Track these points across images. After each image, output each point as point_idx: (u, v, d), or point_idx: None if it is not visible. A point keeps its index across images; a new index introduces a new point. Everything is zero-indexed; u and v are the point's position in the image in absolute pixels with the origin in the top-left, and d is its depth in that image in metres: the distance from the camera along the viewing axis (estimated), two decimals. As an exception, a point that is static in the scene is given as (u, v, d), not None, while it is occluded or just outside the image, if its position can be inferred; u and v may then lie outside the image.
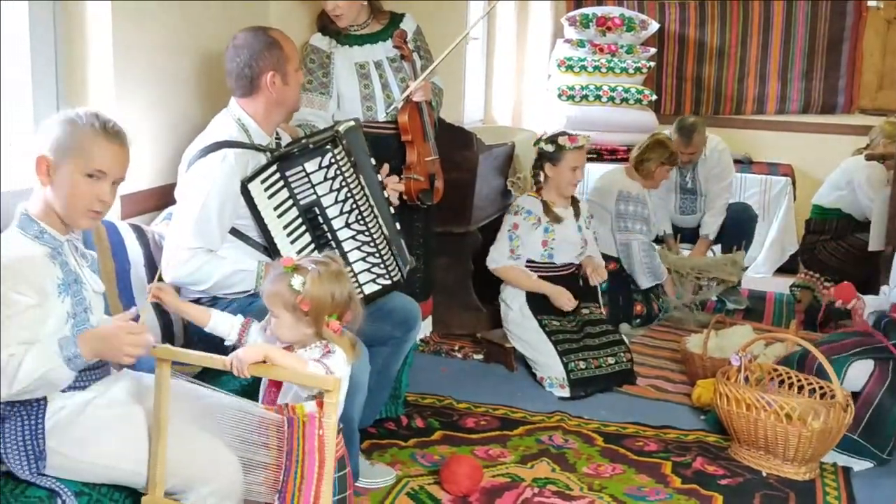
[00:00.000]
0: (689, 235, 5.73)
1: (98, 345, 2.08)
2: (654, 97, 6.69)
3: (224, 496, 2.17)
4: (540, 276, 4.25)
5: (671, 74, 7.35)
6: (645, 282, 4.97)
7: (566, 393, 4.02)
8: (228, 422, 2.20)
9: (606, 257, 4.89)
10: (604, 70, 6.69)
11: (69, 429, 2.14)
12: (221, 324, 2.42)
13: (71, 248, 2.24)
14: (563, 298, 4.19)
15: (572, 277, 4.34)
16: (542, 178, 4.34)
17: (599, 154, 6.53)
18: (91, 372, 2.21)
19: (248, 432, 2.17)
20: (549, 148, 4.27)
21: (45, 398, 2.11)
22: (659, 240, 5.50)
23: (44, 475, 2.11)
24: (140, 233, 2.97)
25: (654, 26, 6.91)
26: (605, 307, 4.78)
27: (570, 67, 6.73)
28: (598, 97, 6.62)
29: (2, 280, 2.02)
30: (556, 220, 4.26)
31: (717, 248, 5.72)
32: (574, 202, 4.40)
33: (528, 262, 4.28)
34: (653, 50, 6.93)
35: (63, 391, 2.15)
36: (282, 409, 2.16)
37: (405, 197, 3.58)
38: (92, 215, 2.20)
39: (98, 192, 2.17)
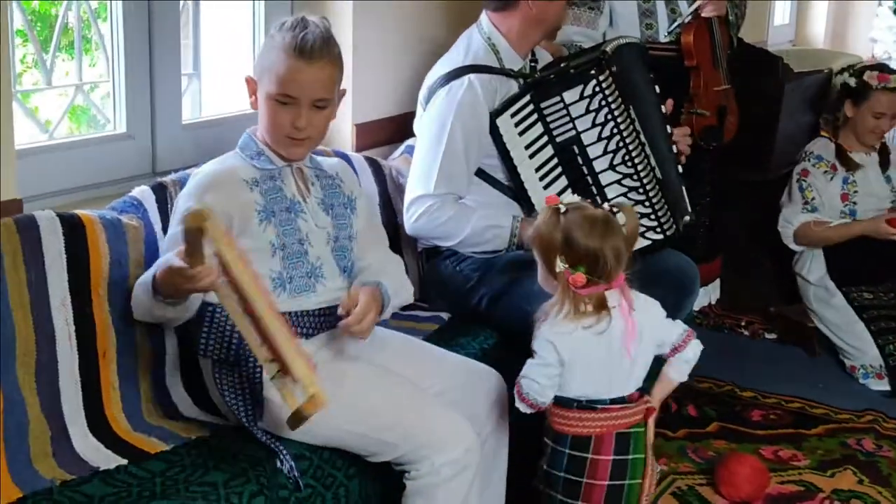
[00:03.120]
0: None
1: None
2: None
3: (462, 466, 2.26)
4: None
5: None
6: None
7: (885, 385, 3.89)
8: None
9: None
10: (961, -24, 6.25)
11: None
12: None
13: (296, 174, 2.40)
14: (882, 227, 3.96)
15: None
16: (840, 118, 4.17)
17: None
18: (317, 318, 2.36)
19: None
20: (852, 82, 4.10)
21: None
22: None
23: (262, 430, 2.30)
24: (376, 167, 3.13)
25: None
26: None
27: (913, -27, 6.34)
28: (950, 13, 6.19)
29: (193, 189, 2.27)
30: (854, 167, 4.10)
31: None
32: (883, 149, 4.19)
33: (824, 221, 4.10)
34: None
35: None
36: None
37: None
38: (290, 142, 2.34)
39: (290, 118, 2.30)
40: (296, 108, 2.30)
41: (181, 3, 2.89)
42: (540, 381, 2.28)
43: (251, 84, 2.36)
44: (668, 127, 3.12)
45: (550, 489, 2.35)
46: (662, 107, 3.10)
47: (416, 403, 2.30)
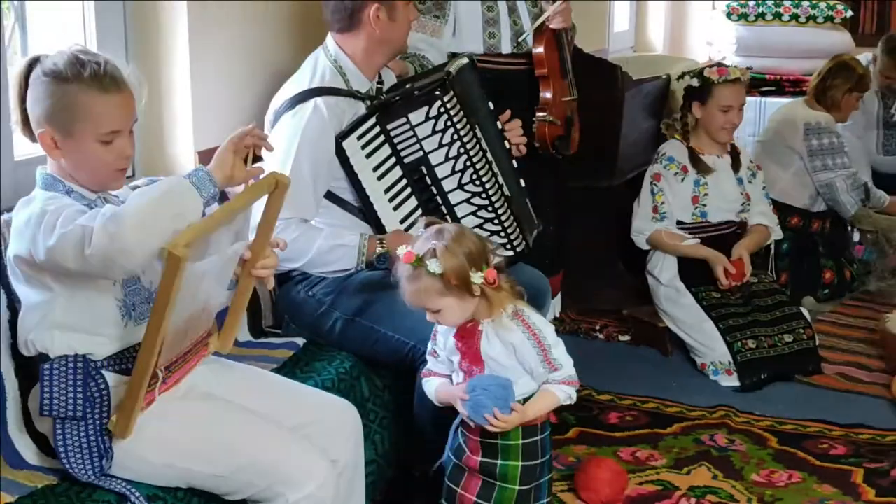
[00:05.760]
0: (894, 183, 5.49)
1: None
2: (850, 13, 6.42)
3: (317, 501, 2.24)
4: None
5: (872, -16, 7.04)
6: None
7: (735, 381, 3.96)
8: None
9: (789, 209, 4.77)
10: (786, -20, 6.48)
11: (141, 425, 2.22)
12: None
13: (110, 202, 2.27)
14: (720, 269, 4.06)
15: (733, 237, 4.23)
16: (690, 121, 4.25)
17: (780, 86, 6.34)
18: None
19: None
20: (695, 83, 4.18)
21: (108, 394, 2.20)
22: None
23: (110, 476, 2.21)
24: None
25: (852, -77, 6.65)
26: (785, 274, 4.68)
27: (742, -22, 6.54)
28: (777, 15, 6.41)
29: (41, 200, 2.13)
30: (706, 170, 4.17)
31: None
32: (733, 151, 4.29)
33: (677, 223, 4.19)
34: (849, -46, 6.66)
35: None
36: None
37: (537, 145, 3.55)
38: (119, 175, 2.26)
39: (118, 150, 2.20)
40: (120, 140, 2.20)
41: (6, 35, 2.75)
42: None
43: (49, 138, 2.17)
44: (507, 142, 3.13)
45: (539, 479, 2.54)
46: (499, 122, 3.12)
47: (268, 440, 2.26)
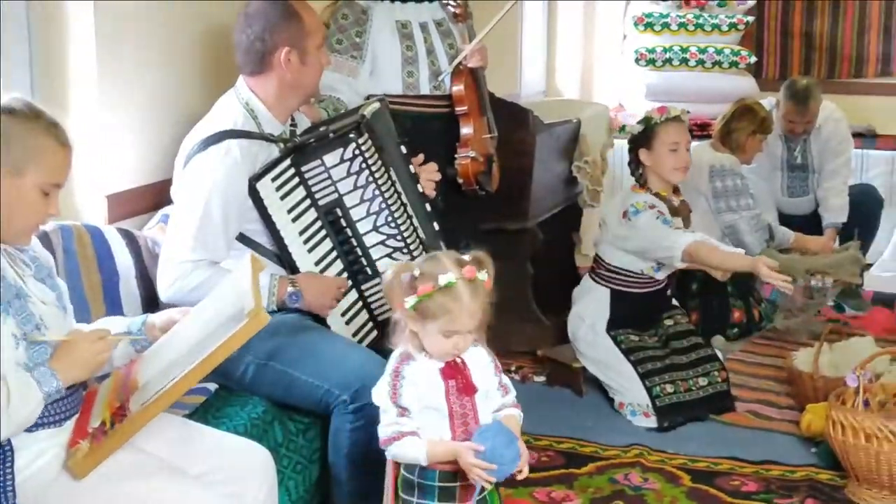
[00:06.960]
0: (798, 224, 5.62)
1: (68, 365, 2.12)
2: (754, 59, 6.61)
3: None
4: (628, 291, 4.12)
5: (774, 30, 7.26)
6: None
7: (652, 422, 3.98)
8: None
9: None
10: (691, 28, 6.64)
11: (56, 479, 2.17)
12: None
13: (5, 257, 2.20)
14: (765, 270, 3.75)
15: (665, 287, 4.25)
16: (642, 171, 4.13)
17: (689, 129, 6.45)
18: (66, 400, 2.22)
19: None
20: (637, 129, 4.13)
21: (12, 453, 2.14)
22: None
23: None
24: (130, 239, 3.02)
25: (754, -27, 6.86)
26: (696, 313, 4.73)
27: (649, 25, 6.69)
28: (684, 61, 6.56)
29: None
30: (675, 212, 4.10)
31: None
32: (683, 206, 4.23)
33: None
34: (751, 2, 6.84)
35: (32, 430, 2.16)
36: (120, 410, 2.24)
37: (461, 181, 3.57)
38: (35, 230, 2.24)
39: (51, 206, 2.18)
40: (55, 196, 2.18)
41: None
42: None
43: None
44: (420, 186, 3.15)
45: None
46: (411, 167, 3.14)
47: (172, 490, 2.20)
